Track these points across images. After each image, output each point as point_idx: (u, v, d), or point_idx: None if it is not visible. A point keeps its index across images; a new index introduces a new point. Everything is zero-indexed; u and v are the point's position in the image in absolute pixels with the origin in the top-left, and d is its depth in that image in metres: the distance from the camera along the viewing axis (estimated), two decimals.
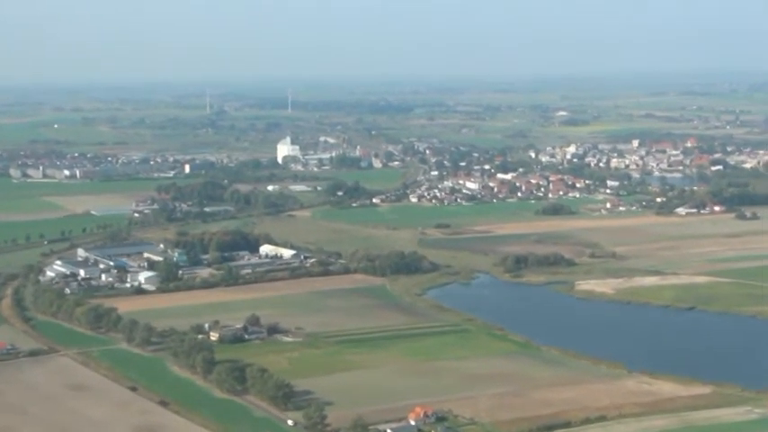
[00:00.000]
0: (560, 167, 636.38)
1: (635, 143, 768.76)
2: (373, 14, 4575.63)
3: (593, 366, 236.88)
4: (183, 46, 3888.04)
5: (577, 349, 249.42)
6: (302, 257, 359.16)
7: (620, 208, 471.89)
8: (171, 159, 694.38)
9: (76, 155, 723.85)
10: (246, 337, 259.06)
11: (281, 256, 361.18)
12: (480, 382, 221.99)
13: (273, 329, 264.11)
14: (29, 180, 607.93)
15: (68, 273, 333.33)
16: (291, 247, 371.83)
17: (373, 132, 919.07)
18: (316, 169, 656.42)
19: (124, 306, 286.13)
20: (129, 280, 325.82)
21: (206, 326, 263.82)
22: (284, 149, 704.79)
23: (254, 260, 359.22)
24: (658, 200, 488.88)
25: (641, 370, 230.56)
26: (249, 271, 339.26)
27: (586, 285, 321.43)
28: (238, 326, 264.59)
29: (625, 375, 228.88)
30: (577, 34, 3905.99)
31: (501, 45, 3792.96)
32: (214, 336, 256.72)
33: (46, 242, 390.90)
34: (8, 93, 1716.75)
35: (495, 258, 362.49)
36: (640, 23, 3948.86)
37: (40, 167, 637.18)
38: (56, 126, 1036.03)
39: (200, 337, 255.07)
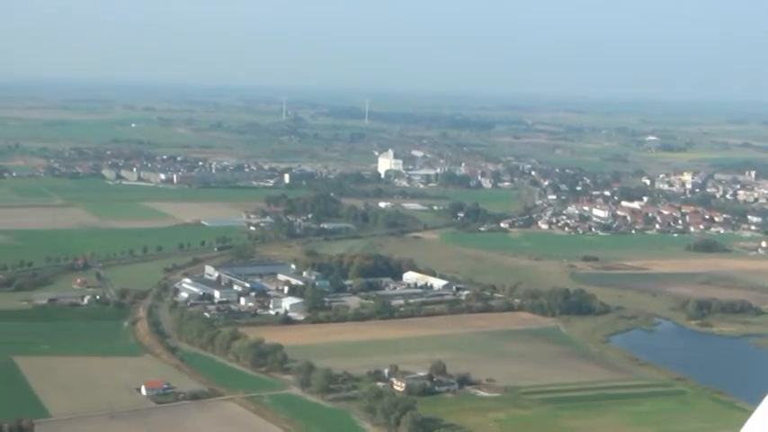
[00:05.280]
0: (683, 198, 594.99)
1: (752, 174, 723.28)
2: (431, 27, 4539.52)
3: None
4: (249, 51, 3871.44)
5: None
6: (454, 289, 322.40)
7: None
8: (266, 167, 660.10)
9: (165, 157, 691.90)
10: (436, 388, 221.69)
11: (431, 287, 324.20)
12: None
13: (464, 380, 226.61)
14: (124, 182, 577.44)
15: (201, 294, 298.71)
16: (439, 276, 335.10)
17: (465, 149, 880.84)
18: (422, 186, 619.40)
19: (273, 338, 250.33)
20: (271, 306, 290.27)
21: (385, 372, 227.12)
22: (386, 163, 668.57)
23: (401, 289, 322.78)
24: None
25: None
26: (401, 302, 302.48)
27: None
28: (422, 374, 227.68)
29: None
30: (642, 59, 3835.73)
31: (560, 64, 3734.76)
32: (398, 385, 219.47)
33: (216, 249, 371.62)
34: (68, 88, 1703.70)
35: (668, 301, 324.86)
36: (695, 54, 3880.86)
37: (134, 169, 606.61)
38: (133, 125, 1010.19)
39: (381, 385, 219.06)
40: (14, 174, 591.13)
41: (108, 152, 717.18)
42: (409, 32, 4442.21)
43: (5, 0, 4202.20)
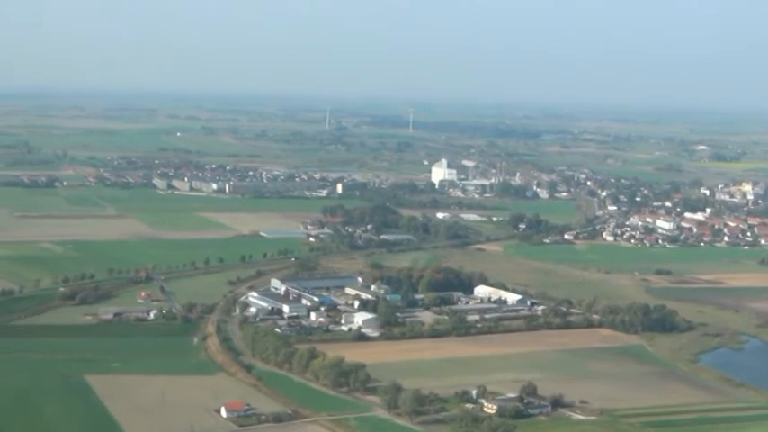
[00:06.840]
0: (746, 209, 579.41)
1: None
2: (468, 38, 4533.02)
3: None
4: (288, 60, 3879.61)
5: None
6: (529, 304, 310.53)
7: None
8: (317, 177, 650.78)
9: (214, 167, 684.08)
10: (528, 411, 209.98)
11: (505, 301, 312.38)
12: None
13: (557, 402, 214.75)
14: (176, 192, 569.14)
15: (270, 308, 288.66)
16: (511, 290, 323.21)
17: (515, 158, 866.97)
18: (477, 196, 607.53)
19: (349, 355, 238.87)
20: (343, 321, 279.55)
21: (473, 393, 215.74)
22: (440, 173, 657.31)
23: (474, 304, 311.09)
24: None
25: None
26: (477, 317, 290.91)
27: None
28: (512, 395, 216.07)
29: None
30: (682, 69, 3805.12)
31: (600, 74, 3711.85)
32: (489, 407, 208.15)
33: (294, 258, 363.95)
34: (109, 97, 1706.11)
35: (752, 317, 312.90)
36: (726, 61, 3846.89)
37: (185, 179, 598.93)
38: (179, 134, 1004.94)
39: (470, 407, 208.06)
40: (65, 183, 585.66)
41: (156, 161, 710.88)
42: (448, 42, 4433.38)
43: (43, 13, 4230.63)
